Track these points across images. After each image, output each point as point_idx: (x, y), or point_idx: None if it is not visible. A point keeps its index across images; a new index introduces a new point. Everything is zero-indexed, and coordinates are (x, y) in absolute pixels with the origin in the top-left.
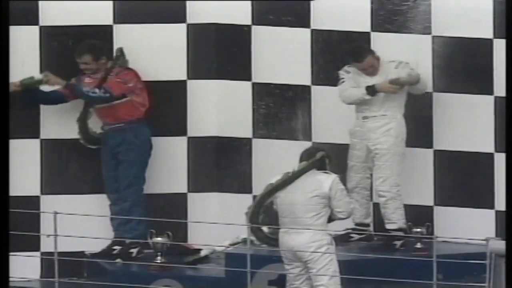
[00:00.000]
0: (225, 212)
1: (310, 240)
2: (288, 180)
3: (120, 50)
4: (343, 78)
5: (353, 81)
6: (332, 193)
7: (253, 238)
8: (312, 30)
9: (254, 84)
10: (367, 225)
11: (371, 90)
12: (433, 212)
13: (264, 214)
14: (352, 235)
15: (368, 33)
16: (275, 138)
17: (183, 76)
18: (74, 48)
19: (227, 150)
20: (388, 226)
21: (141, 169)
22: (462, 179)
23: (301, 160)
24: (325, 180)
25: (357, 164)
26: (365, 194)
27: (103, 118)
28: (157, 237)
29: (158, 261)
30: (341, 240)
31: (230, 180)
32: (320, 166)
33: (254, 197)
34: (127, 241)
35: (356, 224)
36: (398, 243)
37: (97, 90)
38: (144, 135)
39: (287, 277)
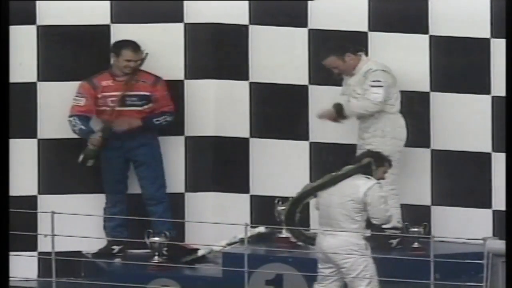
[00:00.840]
0: (222, 212)
1: (343, 244)
2: (329, 182)
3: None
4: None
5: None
6: (367, 199)
7: (290, 235)
8: (310, 30)
9: (251, 84)
10: (399, 228)
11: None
12: (430, 211)
13: (300, 214)
14: (391, 240)
15: (365, 33)
16: (273, 138)
17: (181, 76)
18: (72, 48)
19: (224, 150)
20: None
21: (163, 168)
22: (459, 179)
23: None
24: (362, 186)
25: None
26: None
27: (119, 123)
28: (154, 237)
29: (156, 260)
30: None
31: (227, 180)
32: (365, 172)
33: (252, 197)
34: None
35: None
36: (394, 241)
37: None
38: (156, 136)
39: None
